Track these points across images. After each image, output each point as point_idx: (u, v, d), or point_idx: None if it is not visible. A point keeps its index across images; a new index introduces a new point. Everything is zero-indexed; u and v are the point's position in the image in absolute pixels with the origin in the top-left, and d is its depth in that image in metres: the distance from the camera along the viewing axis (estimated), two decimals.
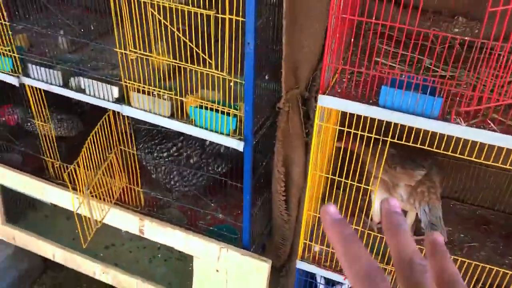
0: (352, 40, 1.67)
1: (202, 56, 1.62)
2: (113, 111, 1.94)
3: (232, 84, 1.64)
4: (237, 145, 1.73)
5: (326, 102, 1.49)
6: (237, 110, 1.69)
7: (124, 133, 2.03)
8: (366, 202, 2.01)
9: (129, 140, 2.02)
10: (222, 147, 2.11)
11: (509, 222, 2.15)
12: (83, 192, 1.83)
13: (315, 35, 1.80)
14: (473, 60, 1.48)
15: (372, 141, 1.62)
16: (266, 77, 1.74)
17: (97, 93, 1.90)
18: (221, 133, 1.74)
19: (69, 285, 3.03)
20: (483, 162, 1.40)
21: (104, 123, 1.91)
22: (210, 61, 1.61)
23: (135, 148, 2.04)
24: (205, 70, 1.65)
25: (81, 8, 2.34)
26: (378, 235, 1.84)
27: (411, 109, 1.41)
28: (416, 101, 1.39)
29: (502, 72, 1.35)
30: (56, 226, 2.70)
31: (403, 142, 1.51)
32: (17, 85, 2.05)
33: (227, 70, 1.61)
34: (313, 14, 1.71)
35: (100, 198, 1.99)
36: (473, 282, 1.69)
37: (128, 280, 2.34)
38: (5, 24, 1.93)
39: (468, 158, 1.42)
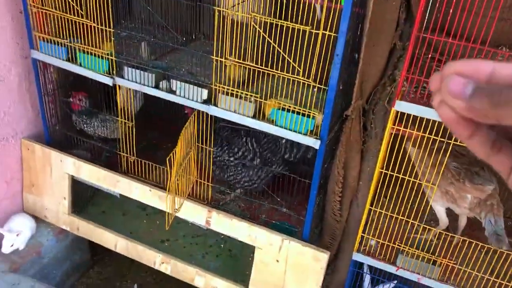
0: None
1: (292, 64, 1.91)
2: (198, 111, 2.21)
3: (315, 90, 1.92)
4: (313, 143, 1.99)
5: (402, 107, 1.77)
6: (316, 112, 1.96)
7: (203, 132, 2.29)
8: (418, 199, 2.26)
9: (208, 138, 2.28)
10: (287, 154, 2.40)
11: None
12: (171, 184, 2.07)
13: (382, 54, 2.11)
14: None
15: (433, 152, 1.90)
16: (341, 87, 2.02)
17: (187, 95, 2.17)
18: (299, 132, 2.01)
19: (113, 280, 3.22)
20: None
21: (191, 121, 2.17)
22: (299, 69, 1.90)
23: (212, 146, 2.30)
24: (294, 77, 1.93)
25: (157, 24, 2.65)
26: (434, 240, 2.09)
27: None
28: None
29: None
30: (113, 221, 2.91)
31: (461, 144, 1.79)
32: (111, 85, 2.31)
33: (313, 77, 1.89)
34: (384, 35, 2.02)
35: (179, 191, 2.23)
36: None
37: (188, 269, 2.55)
38: (109, 30, 2.21)
39: None
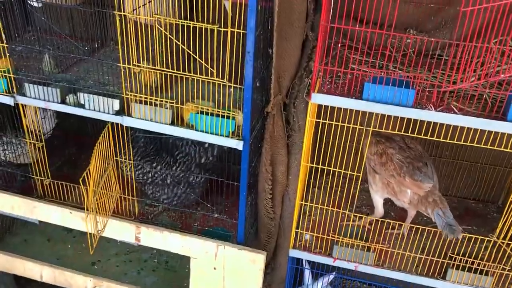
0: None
1: (204, 66, 1.83)
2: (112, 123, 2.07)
3: (232, 90, 1.85)
4: (236, 144, 1.93)
5: (320, 100, 1.75)
6: (235, 113, 1.90)
7: (120, 145, 2.15)
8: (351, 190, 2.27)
9: (126, 151, 2.15)
10: (203, 158, 2.31)
11: (461, 204, 2.51)
12: (90, 203, 1.93)
13: (295, 48, 2.08)
14: (424, 63, 1.82)
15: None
16: (257, 84, 1.97)
17: (97, 107, 2.03)
18: (221, 135, 1.94)
19: None
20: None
21: (105, 135, 2.03)
22: (212, 70, 1.82)
23: (132, 159, 2.17)
24: (208, 79, 1.85)
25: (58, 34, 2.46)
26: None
27: (390, 101, 1.70)
28: (394, 94, 1.68)
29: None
30: (38, 249, 2.71)
31: (383, 131, 1.81)
32: (12, 104, 2.12)
33: (227, 77, 1.82)
34: (295, 28, 1.99)
35: (100, 210, 2.08)
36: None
37: None
38: (1, 46, 2.01)
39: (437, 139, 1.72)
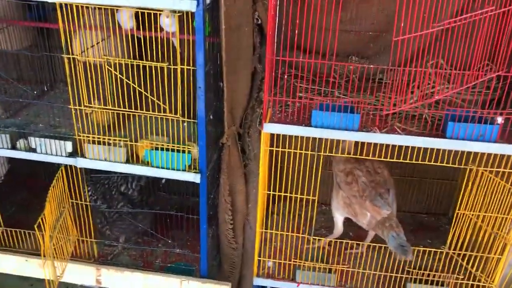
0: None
1: (154, 102, 1.85)
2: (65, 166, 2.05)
3: (185, 124, 1.89)
4: (194, 178, 1.95)
5: (271, 129, 1.81)
6: (191, 147, 1.92)
7: (74, 186, 2.13)
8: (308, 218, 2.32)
9: (81, 192, 2.12)
10: (123, 187, 2.30)
11: (414, 219, 2.61)
12: (47, 249, 1.89)
13: (245, 80, 2.15)
14: (367, 88, 1.93)
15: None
16: (211, 117, 2.01)
17: (49, 150, 2.01)
18: (178, 170, 1.95)
19: None
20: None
21: (59, 178, 2.00)
22: (165, 106, 1.85)
23: (88, 200, 2.15)
24: (161, 115, 1.88)
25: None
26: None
27: (337, 126, 1.78)
28: (340, 119, 1.77)
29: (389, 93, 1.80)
30: None
31: (333, 154, 1.89)
32: None
33: (180, 112, 1.86)
34: (243, 61, 2.06)
35: (58, 255, 2.04)
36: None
37: None
38: None
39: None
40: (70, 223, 2.18)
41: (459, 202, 2.05)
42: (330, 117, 1.77)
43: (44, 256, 1.89)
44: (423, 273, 2.03)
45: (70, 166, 2.06)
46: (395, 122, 1.84)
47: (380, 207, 2.00)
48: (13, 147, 2.05)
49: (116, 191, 2.22)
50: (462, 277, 2.05)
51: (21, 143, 2.04)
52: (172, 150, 1.94)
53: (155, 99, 1.84)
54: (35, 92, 2.36)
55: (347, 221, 2.22)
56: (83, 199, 2.14)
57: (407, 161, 1.82)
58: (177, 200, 2.78)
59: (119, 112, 1.93)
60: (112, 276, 2.21)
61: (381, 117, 1.85)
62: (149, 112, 1.89)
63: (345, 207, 2.12)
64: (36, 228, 1.77)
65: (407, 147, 1.80)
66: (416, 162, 1.82)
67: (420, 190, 2.60)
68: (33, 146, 2.03)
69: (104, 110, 1.95)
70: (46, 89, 2.43)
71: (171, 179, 2.02)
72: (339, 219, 2.21)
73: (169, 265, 2.31)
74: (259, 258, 2.17)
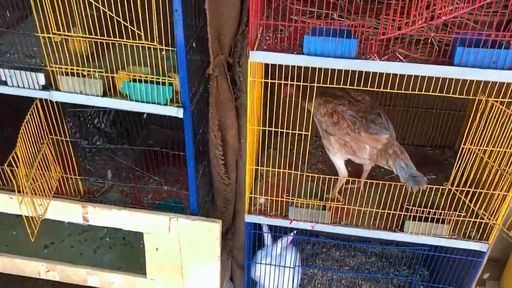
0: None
1: (130, 29, 1.66)
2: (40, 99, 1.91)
3: (164, 53, 1.70)
4: (176, 112, 1.80)
5: (258, 57, 1.62)
6: (171, 78, 1.76)
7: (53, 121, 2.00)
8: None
9: (60, 127, 1.99)
10: (96, 120, 2.16)
11: (418, 152, 2.48)
12: (24, 186, 1.79)
13: (233, 2, 1.92)
14: (372, 9, 1.71)
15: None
16: (194, 45, 1.82)
17: (21, 83, 1.85)
18: (158, 104, 1.80)
19: None
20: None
21: (33, 113, 1.87)
22: (140, 33, 1.67)
23: (68, 135, 2.02)
24: (136, 43, 1.69)
25: None
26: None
27: (332, 53, 1.59)
28: (335, 45, 1.57)
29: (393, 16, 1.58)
30: None
31: (327, 85, 1.71)
32: None
33: (157, 40, 1.67)
34: None
35: (38, 192, 1.95)
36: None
37: (78, 272, 2.32)
38: None
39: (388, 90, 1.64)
40: (52, 160, 2.08)
41: (465, 135, 1.89)
42: (324, 43, 1.57)
43: (21, 192, 1.80)
44: (423, 211, 1.92)
45: (46, 100, 1.92)
46: (397, 48, 1.64)
47: (377, 133, 1.86)
48: None
49: (90, 124, 2.09)
50: (464, 214, 1.93)
51: None
52: (152, 82, 1.77)
53: (128, 24, 1.65)
54: (7, 19, 2.16)
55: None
56: (62, 135, 2.01)
57: (409, 92, 1.64)
58: (169, 134, 2.66)
59: (93, 40, 1.75)
60: (99, 213, 2.14)
61: (382, 43, 1.65)
62: (123, 40, 1.71)
63: (341, 148, 1.98)
64: (5, 166, 1.66)
65: (409, 76, 1.62)
66: (419, 93, 1.64)
67: (425, 122, 2.44)
68: (3, 79, 1.87)
69: (79, 39, 1.77)
70: (21, 16, 2.22)
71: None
72: (339, 163, 2.07)
73: (157, 202, 2.23)
74: (251, 195, 2.07)
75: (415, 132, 2.48)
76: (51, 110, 1.95)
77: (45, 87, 1.86)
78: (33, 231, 1.86)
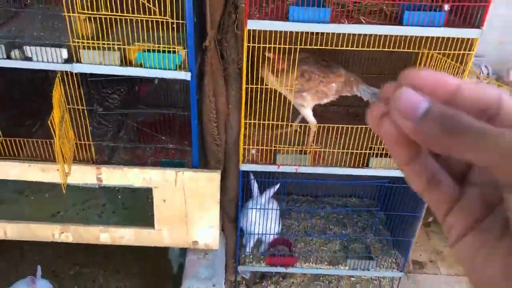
0: None
1: (144, 4, 2.02)
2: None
3: (174, 26, 2.08)
4: (185, 76, 2.17)
5: (254, 25, 2.04)
6: (181, 49, 2.13)
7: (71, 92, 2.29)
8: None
9: (78, 97, 2.30)
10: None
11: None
12: (63, 137, 2.09)
13: None
14: None
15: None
16: (195, 20, 2.20)
17: (45, 58, 2.14)
18: (169, 69, 2.17)
19: (7, 273, 3.09)
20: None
21: (58, 83, 2.16)
22: (155, 9, 2.03)
23: (84, 104, 2.33)
24: (151, 18, 2.05)
25: None
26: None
27: (311, 19, 2.04)
28: (313, 13, 2.02)
29: None
30: None
31: (312, 47, 2.16)
32: None
33: (169, 14, 2.04)
34: None
35: (64, 153, 2.24)
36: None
37: (90, 230, 2.60)
38: None
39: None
40: (69, 128, 2.37)
41: None
42: (305, 11, 2.02)
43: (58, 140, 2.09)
44: (384, 148, 2.41)
45: (66, 72, 2.22)
46: (360, 16, 2.12)
47: (338, 69, 2.36)
48: (8, 57, 2.16)
49: (105, 92, 2.44)
50: None
51: (15, 53, 2.16)
52: (163, 52, 2.14)
53: (145, 2, 2.00)
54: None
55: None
56: (79, 104, 2.31)
57: (370, 48, 2.12)
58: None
59: (110, 16, 2.08)
60: (112, 173, 2.45)
61: (348, 13, 2.13)
62: (140, 16, 2.06)
63: (314, 98, 2.43)
64: (49, 123, 1.95)
65: (370, 36, 2.10)
66: (378, 49, 2.13)
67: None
68: (29, 55, 2.15)
69: (96, 16, 2.09)
70: None
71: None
72: (309, 113, 2.52)
73: (161, 161, 2.57)
74: (244, 147, 2.47)
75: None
76: (69, 82, 2.24)
77: (67, 61, 2.17)
78: (65, 181, 2.16)
